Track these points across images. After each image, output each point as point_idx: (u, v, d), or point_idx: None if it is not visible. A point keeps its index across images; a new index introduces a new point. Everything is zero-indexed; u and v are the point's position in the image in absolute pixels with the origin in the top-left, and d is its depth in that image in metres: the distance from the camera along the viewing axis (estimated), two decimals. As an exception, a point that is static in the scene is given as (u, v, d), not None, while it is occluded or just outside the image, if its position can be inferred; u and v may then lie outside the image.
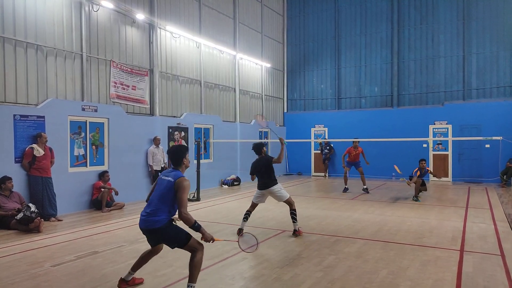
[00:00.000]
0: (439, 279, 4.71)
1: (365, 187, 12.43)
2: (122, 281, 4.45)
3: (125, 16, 11.10)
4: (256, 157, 7.11)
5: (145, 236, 4.24)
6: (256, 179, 7.08)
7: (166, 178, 4.10)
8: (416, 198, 10.88)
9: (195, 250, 4.06)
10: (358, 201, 11.03)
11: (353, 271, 5.00)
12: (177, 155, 4.22)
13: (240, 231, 6.68)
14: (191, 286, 3.98)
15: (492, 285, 4.53)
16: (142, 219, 4.12)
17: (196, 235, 4.11)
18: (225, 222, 8.19)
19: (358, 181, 13.83)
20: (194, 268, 4.01)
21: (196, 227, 3.94)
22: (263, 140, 17.67)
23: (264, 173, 6.90)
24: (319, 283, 4.59)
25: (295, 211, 6.90)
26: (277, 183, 6.90)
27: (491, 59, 15.78)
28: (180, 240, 4.05)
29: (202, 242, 4.12)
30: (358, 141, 12.72)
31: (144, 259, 4.48)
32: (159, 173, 11.38)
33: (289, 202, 6.90)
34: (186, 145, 12.03)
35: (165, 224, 4.03)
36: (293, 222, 6.86)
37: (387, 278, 4.77)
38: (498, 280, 4.68)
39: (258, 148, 7.05)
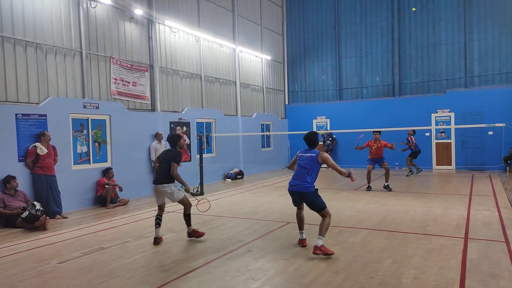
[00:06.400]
0: (443, 267, 4.73)
1: (386, 184, 11.15)
2: (302, 240, 5.77)
3: (123, 12, 11.06)
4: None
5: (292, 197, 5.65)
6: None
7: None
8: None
9: (326, 216, 5.37)
10: (361, 191, 11.03)
11: (357, 261, 5.02)
12: None
13: (156, 240, 6.09)
14: (320, 238, 5.18)
15: (497, 271, 4.54)
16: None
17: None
18: (228, 215, 8.23)
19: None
20: (324, 227, 5.26)
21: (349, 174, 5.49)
22: (264, 133, 17.66)
23: (165, 167, 6.11)
24: (324, 273, 4.61)
25: (189, 217, 6.27)
26: (172, 183, 6.14)
27: (493, 45, 15.64)
28: (319, 205, 5.38)
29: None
30: (380, 133, 11.36)
31: (300, 218, 5.80)
32: None
33: (184, 204, 6.24)
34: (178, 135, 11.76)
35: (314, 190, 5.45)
36: (187, 225, 6.31)
37: (392, 267, 4.79)
38: (502, 266, 4.68)
39: (173, 140, 6.36)
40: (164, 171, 6.12)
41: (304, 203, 5.65)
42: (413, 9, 16.30)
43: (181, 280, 4.58)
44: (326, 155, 5.43)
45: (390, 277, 4.45)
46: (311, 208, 5.46)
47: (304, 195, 5.41)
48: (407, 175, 14.03)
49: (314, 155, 5.43)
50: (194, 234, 6.25)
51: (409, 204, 8.87)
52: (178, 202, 6.24)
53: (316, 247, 5.11)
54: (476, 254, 5.16)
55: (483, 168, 15.20)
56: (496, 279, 4.29)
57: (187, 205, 6.25)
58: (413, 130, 14.07)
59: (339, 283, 4.33)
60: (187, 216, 6.25)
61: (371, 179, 11.43)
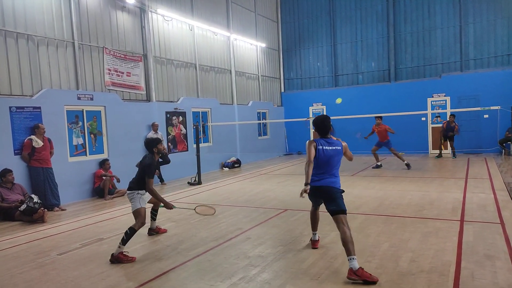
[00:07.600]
0: (440, 249, 4.79)
1: (405, 163, 11.98)
2: (314, 242, 5.17)
3: (114, 1, 10.89)
4: None
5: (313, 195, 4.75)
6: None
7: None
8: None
9: (343, 225, 4.33)
10: (358, 177, 11.09)
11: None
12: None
13: (149, 231, 6.11)
14: (352, 258, 4.09)
15: (492, 252, 4.60)
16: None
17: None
18: (227, 204, 8.27)
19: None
20: (350, 242, 4.20)
21: None
22: (260, 121, 17.63)
23: (138, 173, 5.48)
24: (322, 259, 4.66)
25: (131, 235, 5.05)
26: (137, 191, 5.28)
27: (488, 28, 15.57)
28: (342, 205, 4.53)
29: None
30: (381, 117, 12.10)
31: (315, 218, 5.14)
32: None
33: (135, 217, 5.21)
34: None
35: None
36: (121, 243, 4.98)
37: (389, 250, 4.85)
38: (498, 248, 4.75)
39: (149, 145, 5.60)
40: (137, 176, 5.43)
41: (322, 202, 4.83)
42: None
43: (180, 268, 4.62)
44: (346, 144, 4.78)
45: (387, 261, 4.50)
46: (329, 206, 4.53)
47: (331, 190, 4.60)
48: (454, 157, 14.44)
49: (340, 148, 4.67)
50: (120, 258, 4.89)
51: (405, 188, 8.93)
52: (132, 213, 5.25)
53: (351, 271, 4.00)
54: (472, 236, 5.23)
55: (478, 152, 15.29)
56: (492, 260, 4.35)
57: (138, 220, 5.12)
58: (453, 115, 14.27)
59: (337, 268, 4.38)
60: (130, 231, 5.02)
61: (378, 157, 12.60)
